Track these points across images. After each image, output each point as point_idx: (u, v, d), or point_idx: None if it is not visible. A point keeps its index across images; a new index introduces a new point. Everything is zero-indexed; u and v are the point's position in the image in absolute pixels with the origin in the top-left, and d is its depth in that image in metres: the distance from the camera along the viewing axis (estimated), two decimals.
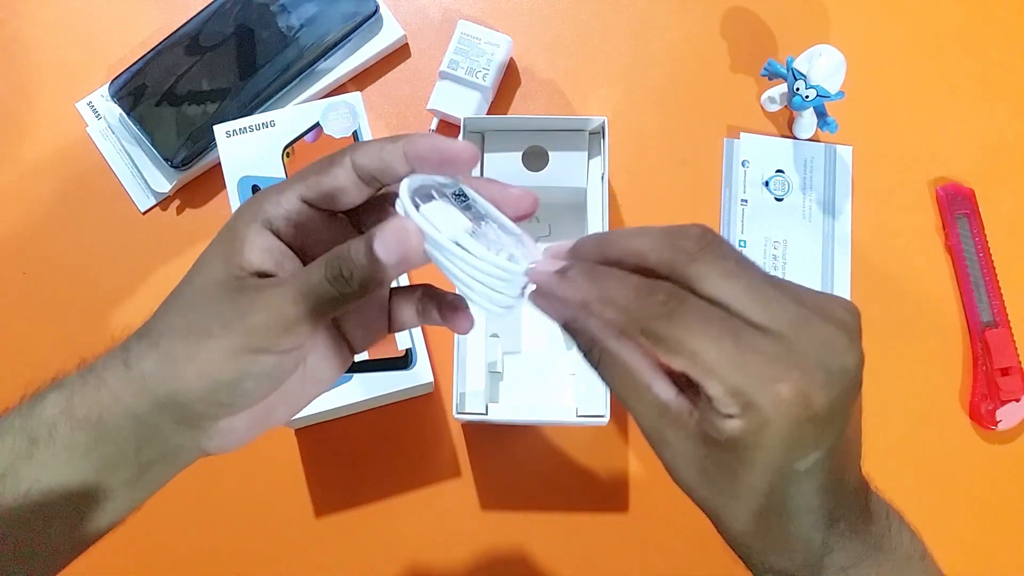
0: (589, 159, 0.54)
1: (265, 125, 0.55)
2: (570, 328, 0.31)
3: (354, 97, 0.56)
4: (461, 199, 0.31)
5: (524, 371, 0.54)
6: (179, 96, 0.59)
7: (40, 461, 0.31)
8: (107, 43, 0.62)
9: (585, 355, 0.30)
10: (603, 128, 0.53)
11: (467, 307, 0.33)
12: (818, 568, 0.30)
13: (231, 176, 0.55)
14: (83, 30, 0.63)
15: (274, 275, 0.31)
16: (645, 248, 0.29)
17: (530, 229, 0.56)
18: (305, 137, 0.56)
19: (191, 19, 0.60)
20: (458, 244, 0.29)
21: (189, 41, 0.59)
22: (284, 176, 0.55)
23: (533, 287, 0.30)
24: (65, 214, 0.59)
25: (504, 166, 0.54)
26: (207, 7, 0.60)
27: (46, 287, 0.58)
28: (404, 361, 0.52)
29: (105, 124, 0.60)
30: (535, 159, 0.55)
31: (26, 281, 0.58)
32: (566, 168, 0.54)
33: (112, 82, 0.59)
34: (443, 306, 0.34)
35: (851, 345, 0.28)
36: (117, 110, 0.59)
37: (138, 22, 0.62)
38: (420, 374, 0.52)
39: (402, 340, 0.52)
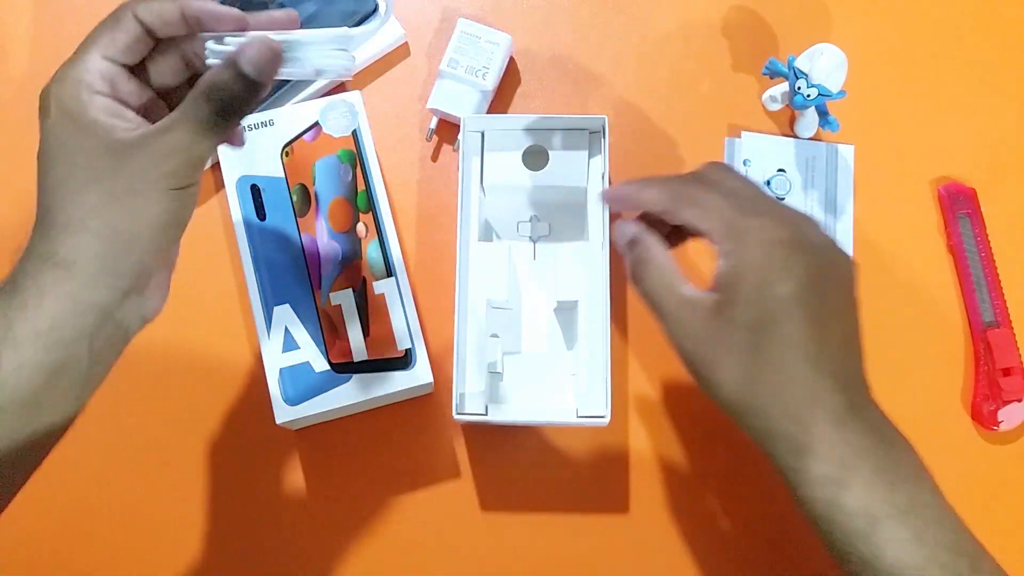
0: (589, 158, 0.54)
1: (264, 124, 0.55)
2: (622, 227, 0.44)
3: (353, 96, 0.56)
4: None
5: (524, 371, 0.54)
6: None
7: None
8: None
9: (628, 253, 0.43)
10: (603, 127, 0.53)
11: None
12: (810, 438, 0.36)
13: (230, 176, 0.55)
14: (82, 29, 0.62)
15: (127, 126, 0.36)
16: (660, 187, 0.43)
17: (530, 228, 0.56)
18: (304, 136, 0.56)
19: None
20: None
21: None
22: (284, 176, 0.55)
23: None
24: None
25: (504, 165, 0.54)
26: None
27: None
28: (404, 361, 0.52)
29: None
30: (535, 158, 0.54)
31: None
32: (566, 167, 0.54)
33: None
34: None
35: (817, 232, 0.40)
36: None
37: None
38: (420, 374, 0.52)
39: (402, 340, 0.52)
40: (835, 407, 0.37)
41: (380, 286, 0.53)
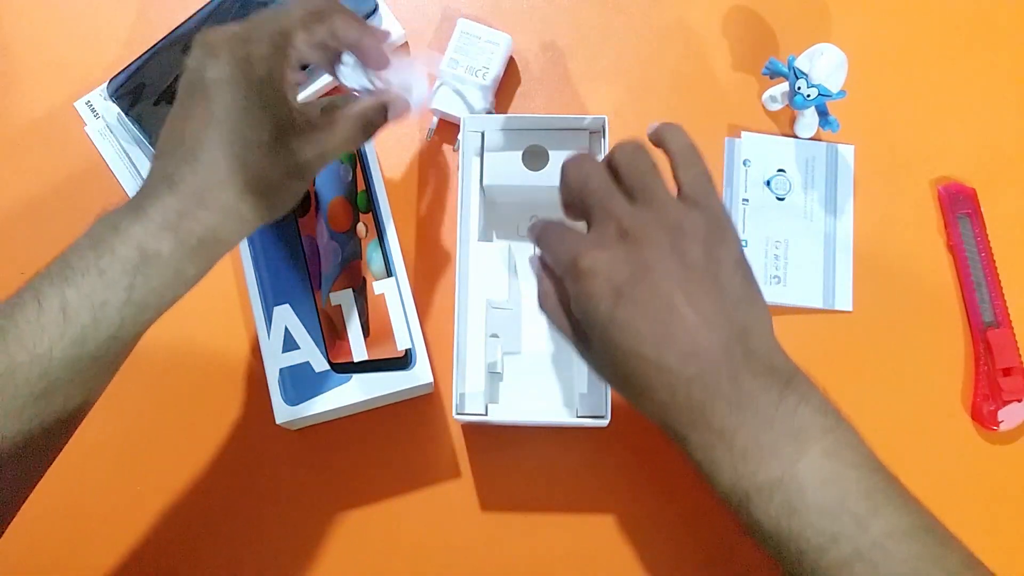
0: None
1: None
2: (532, 263, 0.44)
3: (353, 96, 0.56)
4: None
5: (524, 371, 0.54)
6: None
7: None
8: (105, 41, 0.62)
9: (538, 284, 0.43)
10: (603, 127, 0.53)
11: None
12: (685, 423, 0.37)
13: None
14: (81, 29, 0.63)
15: (298, 109, 0.41)
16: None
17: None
18: None
19: (190, 18, 0.60)
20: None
21: (188, 40, 0.59)
22: None
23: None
24: (63, 214, 0.59)
25: (504, 165, 0.54)
26: (206, 6, 0.60)
27: None
28: (404, 361, 0.52)
29: (103, 123, 0.60)
30: (535, 158, 0.54)
31: (24, 281, 0.58)
32: None
33: (110, 81, 0.58)
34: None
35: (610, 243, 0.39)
36: (115, 109, 0.59)
37: (137, 21, 0.62)
38: (420, 374, 0.52)
39: (402, 340, 0.52)
40: (694, 398, 0.37)
41: (380, 286, 0.53)
